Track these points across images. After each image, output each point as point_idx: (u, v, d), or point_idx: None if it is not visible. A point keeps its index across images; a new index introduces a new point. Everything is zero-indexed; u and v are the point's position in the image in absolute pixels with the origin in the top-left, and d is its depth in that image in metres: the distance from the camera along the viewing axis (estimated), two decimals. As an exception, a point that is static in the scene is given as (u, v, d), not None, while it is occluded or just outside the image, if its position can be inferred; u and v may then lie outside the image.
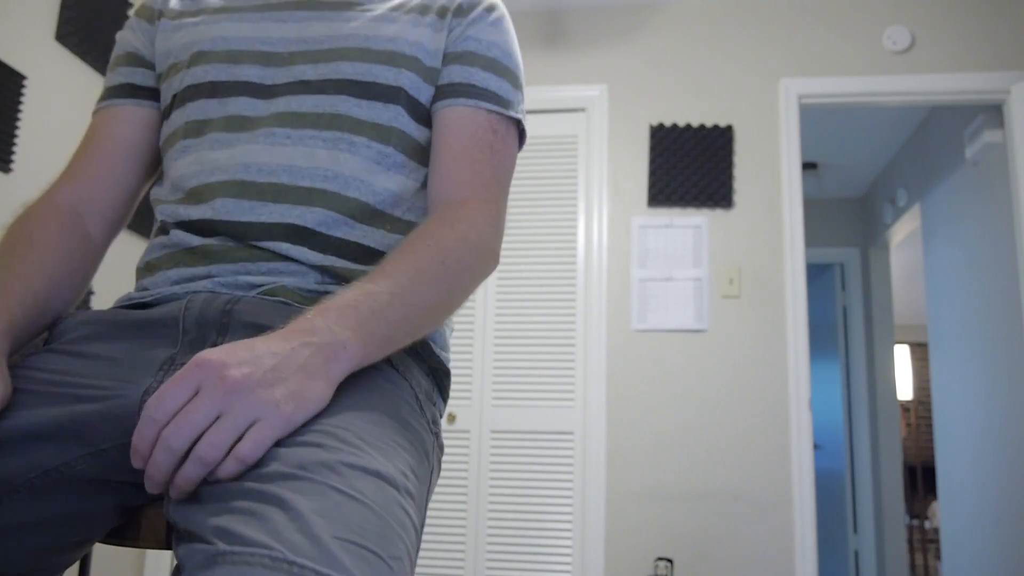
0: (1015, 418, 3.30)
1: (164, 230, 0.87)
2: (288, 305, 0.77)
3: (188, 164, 0.87)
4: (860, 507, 4.92)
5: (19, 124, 2.33)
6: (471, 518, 3.08)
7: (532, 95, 3.42)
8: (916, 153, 4.50)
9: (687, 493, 3.00)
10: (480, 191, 0.86)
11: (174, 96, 0.91)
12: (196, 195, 0.85)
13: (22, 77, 2.34)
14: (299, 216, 0.82)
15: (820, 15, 3.33)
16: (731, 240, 3.19)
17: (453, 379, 3.19)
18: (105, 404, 0.68)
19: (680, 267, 3.19)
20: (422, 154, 0.91)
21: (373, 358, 0.69)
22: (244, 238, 0.82)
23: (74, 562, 0.72)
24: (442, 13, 0.93)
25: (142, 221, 2.73)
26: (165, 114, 0.93)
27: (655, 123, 3.33)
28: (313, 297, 0.79)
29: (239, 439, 0.57)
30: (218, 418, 0.57)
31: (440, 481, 3.14)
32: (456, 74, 0.90)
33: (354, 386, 0.67)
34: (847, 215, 5.40)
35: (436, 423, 0.81)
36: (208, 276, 0.81)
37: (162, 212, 0.88)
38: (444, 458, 3.26)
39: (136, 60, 0.96)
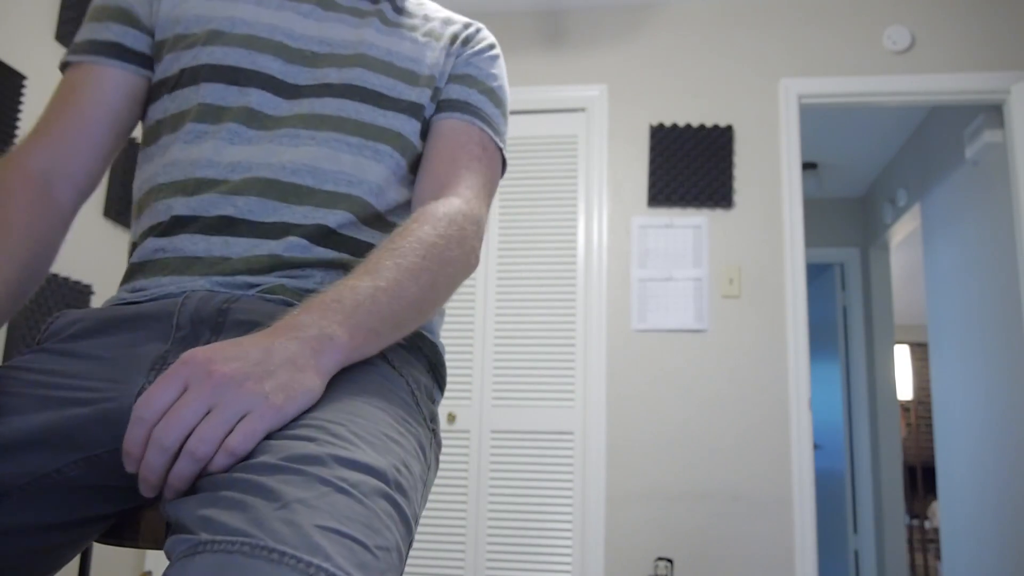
0: (1015, 418, 3.30)
1: (163, 230, 0.84)
2: (289, 304, 0.77)
3: (204, 151, 0.84)
4: (860, 507, 4.92)
5: (19, 124, 2.33)
6: (471, 518, 3.07)
7: (532, 95, 3.42)
8: (916, 153, 4.50)
9: (687, 493, 3.00)
10: (464, 192, 0.88)
11: (183, 71, 0.88)
12: (209, 185, 0.82)
13: (22, 77, 2.34)
14: (323, 217, 0.82)
15: (820, 15, 3.33)
16: (731, 240, 3.19)
17: (454, 379, 3.19)
18: (97, 408, 0.67)
19: (680, 267, 3.19)
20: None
21: (362, 352, 0.69)
22: (262, 236, 0.81)
23: (68, 562, 0.72)
24: (451, 40, 0.99)
25: (123, 208, 2.73)
26: (167, 87, 0.89)
27: (655, 123, 3.33)
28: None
29: (230, 433, 0.57)
30: (208, 413, 0.57)
31: (440, 481, 3.14)
32: (455, 92, 0.96)
33: (348, 381, 0.67)
34: (847, 215, 5.40)
35: (434, 419, 0.81)
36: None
37: (161, 210, 0.84)
38: (444, 458, 3.27)
39: (130, 19, 0.91)
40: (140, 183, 0.89)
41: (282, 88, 0.87)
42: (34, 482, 0.64)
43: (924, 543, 5.79)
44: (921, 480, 6.07)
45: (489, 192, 0.94)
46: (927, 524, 6.05)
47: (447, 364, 3.25)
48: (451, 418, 3.17)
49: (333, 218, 0.82)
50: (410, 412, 0.73)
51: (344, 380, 0.67)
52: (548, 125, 3.40)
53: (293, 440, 0.57)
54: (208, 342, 0.73)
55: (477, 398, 3.18)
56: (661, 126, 3.31)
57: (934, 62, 3.21)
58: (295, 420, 0.60)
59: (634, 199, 3.28)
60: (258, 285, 0.79)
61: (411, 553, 3.07)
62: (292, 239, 0.81)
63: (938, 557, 5.92)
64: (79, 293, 2.53)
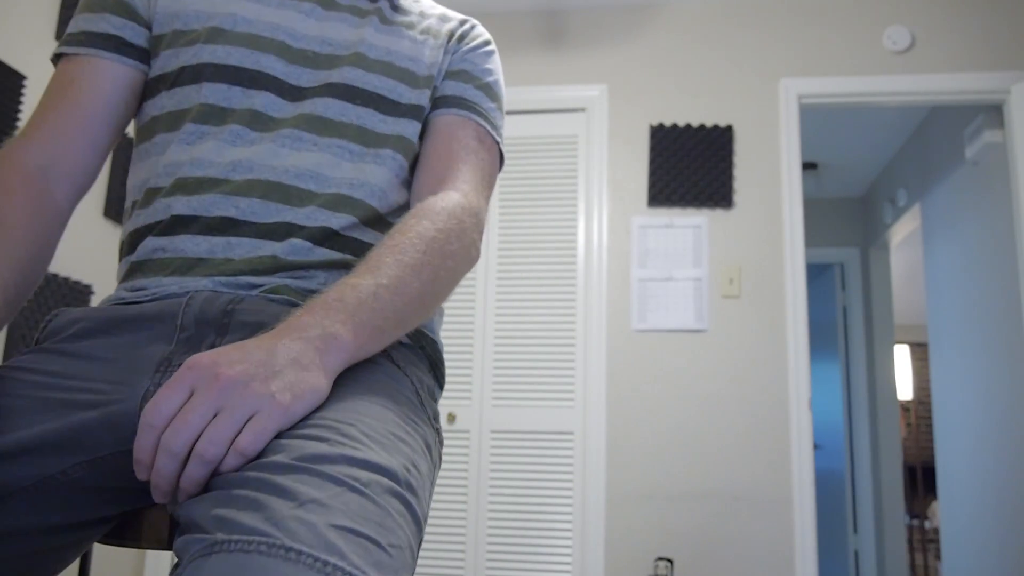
0: (1015, 418, 3.30)
1: (163, 229, 0.82)
2: (293, 305, 0.77)
3: (204, 151, 0.83)
4: (860, 507, 4.92)
5: (19, 124, 2.33)
6: (471, 518, 3.07)
7: (532, 95, 3.42)
8: (916, 153, 4.50)
9: (687, 493, 3.00)
10: (461, 185, 0.88)
11: (183, 68, 0.86)
12: (212, 185, 0.82)
13: (22, 77, 2.34)
14: (325, 219, 0.82)
15: (820, 15, 3.33)
16: (731, 240, 3.19)
17: (453, 379, 3.19)
18: (102, 411, 0.67)
19: (680, 267, 3.19)
20: None
21: (367, 350, 0.69)
22: (265, 237, 0.81)
23: (70, 563, 0.72)
24: (448, 37, 0.99)
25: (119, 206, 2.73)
26: (165, 84, 0.87)
27: (655, 123, 3.33)
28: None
29: (239, 434, 0.57)
30: (215, 416, 0.57)
31: (440, 481, 3.14)
32: (451, 88, 0.96)
33: (355, 381, 0.67)
34: (847, 215, 5.40)
35: (437, 418, 0.81)
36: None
37: (160, 208, 0.82)
38: (444, 458, 3.26)
39: (129, 12, 0.89)
40: (136, 181, 0.88)
41: (285, 90, 0.87)
42: (38, 484, 0.64)
43: (924, 543, 5.79)
44: (921, 480, 6.07)
45: (487, 184, 0.94)
46: (927, 524, 6.05)
47: (446, 363, 3.25)
48: (451, 418, 3.17)
49: (336, 220, 0.82)
50: (416, 411, 0.73)
51: (350, 380, 0.67)
52: (548, 125, 3.40)
53: (305, 440, 0.57)
54: (213, 343, 0.73)
55: (477, 398, 3.18)
56: (661, 126, 3.31)
57: (934, 62, 3.21)
58: (304, 420, 0.60)
59: (634, 199, 3.28)
60: (261, 286, 0.79)
61: (411, 553, 3.07)
62: (295, 240, 0.81)
63: (938, 557, 5.92)
64: (79, 293, 2.53)
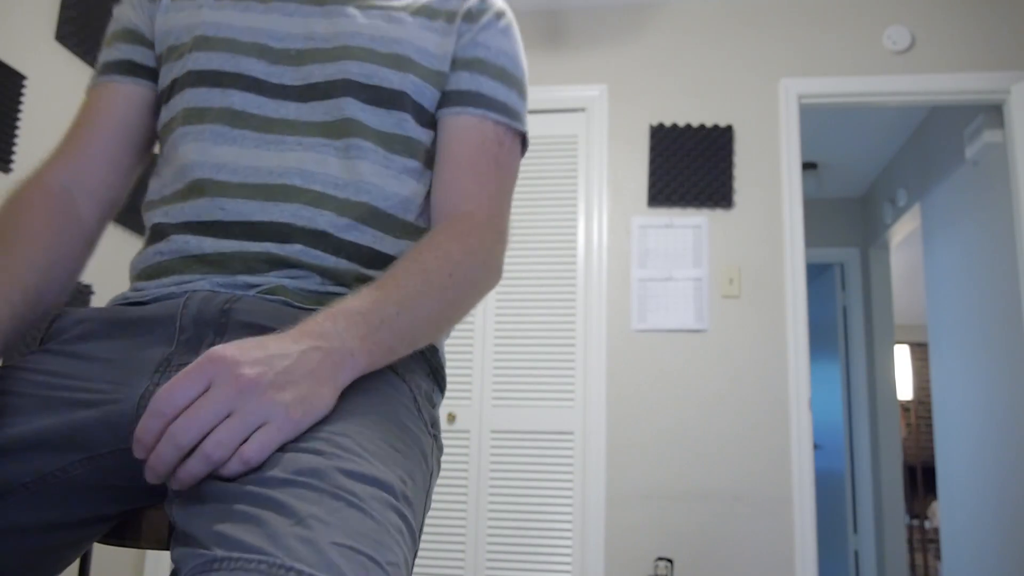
0: (1015, 418, 3.30)
1: (161, 235, 0.84)
2: (289, 306, 0.77)
3: (189, 153, 0.84)
4: (860, 507, 4.92)
5: (19, 124, 2.33)
6: (471, 518, 3.07)
7: (532, 95, 3.41)
8: (916, 153, 4.50)
9: (687, 493, 3.00)
10: (486, 204, 0.86)
11: (174, 81, 0.89)
12: (199, 190, 0.82)
13: (22, 77, 2.34)
14: (310, 219, 0.81)
15: (820, 15, 3.33)
16: (731, 240, 3.19)
17: (453, 379, 3.19)
18: (101, 410, 0.67)
19: (680, 267, 3.19)
20: (428, 157, 0.90)
21: (376, 367, 0.69)
22: (255, 238, 0.81)
23: (71, 562, 0.72)
24: (450, 18, 0.92)
25: (132, 215, 2.73)
26: (164, 99, 0.90)
27: (655, 123, 3.33)
28: (314, 298, 0.79)
29: (245, 439, 0.57)
30: (227, 416, 0.57)
31: (440, 481, 3.14)
32: (465, 81, 0.90)
33: (353, 389, 0.67)
34: (847, 215, 5.40)
35: (435, 424, 0.80)
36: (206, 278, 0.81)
37: (159, 215, 0.85)
38: (444, 458, 3.26)
39: (135, 37, 0.93)
40: (145, 198, 0.90)
41: (266, 88, 0.86)
42: (38, 480, 0.65)
43: (924, 543, 5.79)
44: (921, 480, 6.07)
45: (509, 193, 0.91)
46: (927, 524, 6.05)
47: (447, 365, 3.25)
48: (451, 418, 3.17)
49: (323, 219, 0.81)
50: (413, 420, 0.73)
51: (349, 387, 0.66)
52: (548, 125, 3.40)
53: (303, 453, 0.57)
54: (212, 343, 0.73)
55: (477, 398, 3.18)
56: (661, 126, 3.31)
57: (934, 62, 3.21)
58: (305, 431, 0.60)
59: (634, 199, 3.28)
60: (258, 285, 0.79)
61: (411, 553, 3.07)
62: (287, 239, 0.81)
63: (938, 557, 5.92)
64: (79, 293, 2.53)
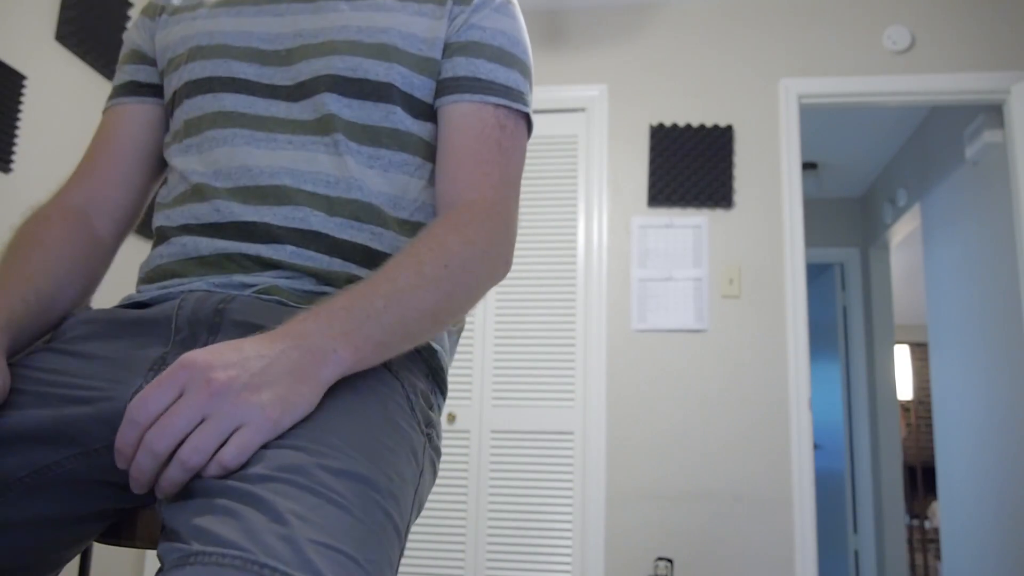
0: (1015, 418, 3.30)
1: (163, 238, 0.86)
2: (284, 305, 0.77)
3: (189, 162, 0.86)
4: (860, 507, 4.92)
5: (19, 124, 2.33)
6: (471, 518, 3.07)
7: (533, 95, 3.41)
8: (916, 153, 4.50)
9: (687, 493, 3.00)
10: (489, 193, 0.83)
11: (175, 93, 0.90)
12: (199, 194, 0.84)
13: (22, 77, 2.34)
14: (303, 220, 0.81)
15: (820, 15, 3.33)
16: (731, 240, 3.19)
17: (454, 379, 3.19)
18: (96, 406, 0.68)
19: (680, 267, 3.19)
20: (426, 150, 0.88)
21: (366, 363, 0.67)
22: (248, 240, 0.81)
23: (69, 560, 0.72)
24: (441, 0, 0.89)
25: (147, 223, 2.73)
26: (168, 112, 0.93)
27: (655, 123, 3.33)
28: (309, 297, 0.79)
29: (224, 443, 0.57)
30: (202, 422, 0.57)
31: (440, 481, 3.13)
32: (461, 67, 0.87)
33: (342, 386, 0.66)
34: (847, 215, 5.40)
35: (430, 424, 0.79)
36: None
37: (162, 219, 0.87)
38: (444, 458, 3.26)
39: (139, 57, 0.96)
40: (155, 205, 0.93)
41: (256, 89, 0.87)
42: (34, 474, 0.65)
43: (924, 543, 5.79)
44: (921, 480, 6.07)
45: (516, 178, 0.87)
46: (927, 524, 6.05)
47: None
48: (451, 418, 3.17)
49: (315, 218, 0.81)
50: (404, 417, 0.72)
51: (338, 383, 0.66)
52: (548, 125, 3.40)
53: (286, 450, 0.57)
54: (206, 343, 0.73)
55: (477, 398, 3.18)
56: (661, 126, 3.31)
57: (934, 62, 3.21)
58: (288, 429, 0.60)
59: (634, 199, 3.28)
60: (253, 285, 0.79)
61: (411, 553, 3.07)
62: (277, 241, 0.81)
63: (938, 557, 5.92)
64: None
